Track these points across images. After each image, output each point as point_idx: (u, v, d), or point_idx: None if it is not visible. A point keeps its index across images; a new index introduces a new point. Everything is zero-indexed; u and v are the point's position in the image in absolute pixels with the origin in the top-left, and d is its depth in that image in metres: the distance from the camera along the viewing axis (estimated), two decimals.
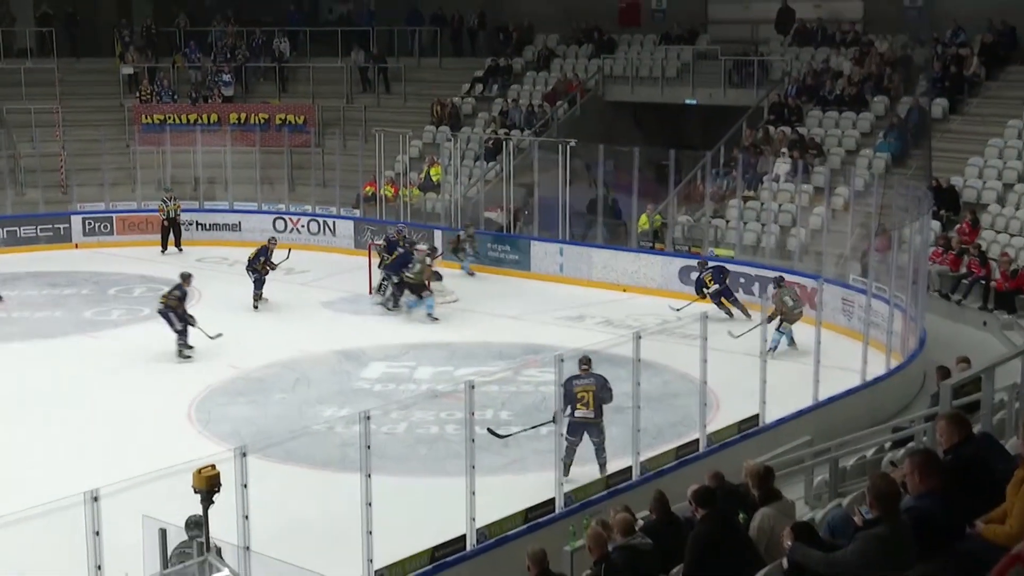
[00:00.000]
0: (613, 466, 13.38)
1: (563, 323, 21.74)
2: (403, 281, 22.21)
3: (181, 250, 27.90)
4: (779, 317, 18.85)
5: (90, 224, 28.93)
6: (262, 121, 31.94)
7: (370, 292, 23.61)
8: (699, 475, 10.11)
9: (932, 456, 6.94)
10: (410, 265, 22.10)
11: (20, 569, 11.19)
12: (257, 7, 36.95)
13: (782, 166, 25.05)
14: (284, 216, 28.96)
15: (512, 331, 21.29)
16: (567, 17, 33.07)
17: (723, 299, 21.46)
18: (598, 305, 22.93)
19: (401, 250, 22.53)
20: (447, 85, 32.82)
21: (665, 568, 8.59)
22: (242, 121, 31.99)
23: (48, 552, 11.06)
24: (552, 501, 12.18)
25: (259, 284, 22.73)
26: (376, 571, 10.62)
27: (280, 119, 32.06)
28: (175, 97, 32.77)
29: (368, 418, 10.35)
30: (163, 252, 27.81)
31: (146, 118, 31.91)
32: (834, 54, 28.41)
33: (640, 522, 9.33)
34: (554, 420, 12.81)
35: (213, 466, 9.59)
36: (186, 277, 20.36)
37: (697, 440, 13.88)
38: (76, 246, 28.52)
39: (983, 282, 20.48)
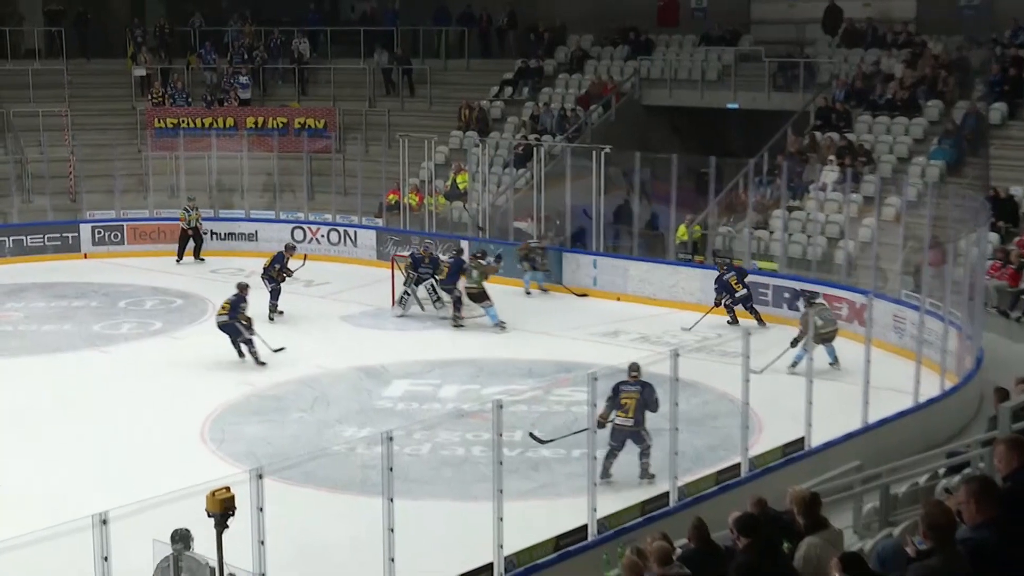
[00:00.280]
0: (649, 492, 13.34)
1: (597, 339, 21.69)
2: (455, 293, 22.58)
3: (203, 260, 28.08)
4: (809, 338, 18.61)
5: (100, 233, 29.12)
6: (280, 125, 32.12)
7: (392, 305, 23.66)
8: (741, 501, 10.06)
9: (990, 483, 6.87)
10: (467, 274, 22.47)
11: None
12: (276, 6, 37.19)
13: (829, 174, 24.96)
14: (303, 225, 29.07)
15: (543, 348, 21.27)
16: (602, 16, 33.09)
17: (751, 305, 21.68)
18: (634, 320, 22.88)
19: (448, 259, 22.93)
20: (475, 88, 32.90)
21: None
22: (259, 125, 32.18)
23: None
24: (584, 528, 12.15)
25: (275, 294, 22.82)
26: None
27: (299, 123, 32.22)
28: (189, 100, 32.97)
29: (390, 439, 10.35)
30: (178, 262, 27.98)
31: (159, 122, 32.13)
32: (885, 56, 28.31)
33: (678, 551, 9.28)
34: (598, 425, 13.38)
35: (228, 488, 9.61)
36: (244, 287, 20.62)
37: (739, 464, 13.83)
38: (85, 256, 28.73)
39: None
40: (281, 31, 35.01)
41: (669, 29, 32.70)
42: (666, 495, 12.99)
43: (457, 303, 22.57)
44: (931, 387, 16.90)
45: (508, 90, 32.47)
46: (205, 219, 28.99)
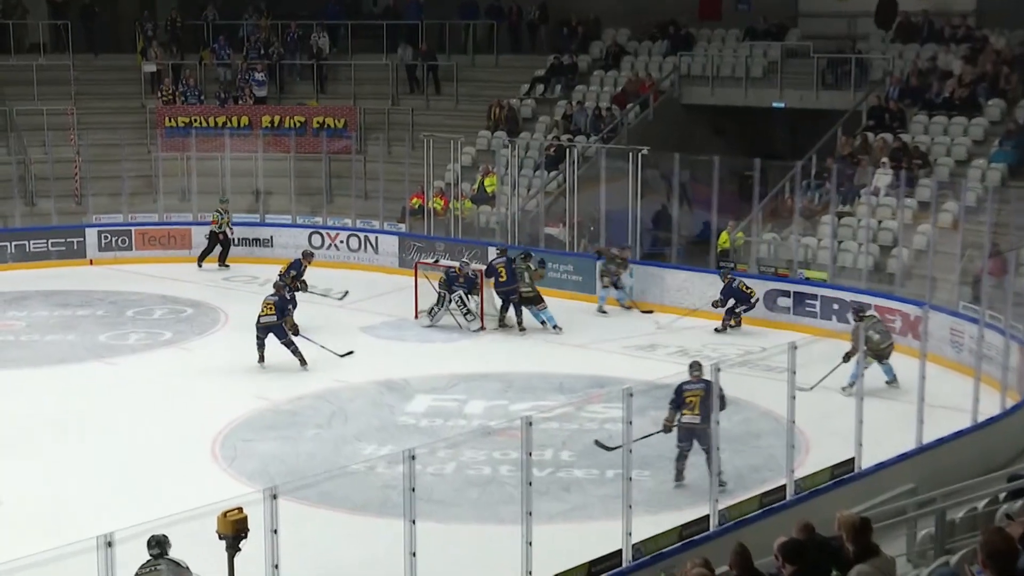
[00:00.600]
0: (686, 515, 13.31)
1: (632, 353, 21.68)
2: (520, 298, 23.04)
3: (228, 267, 28.26)
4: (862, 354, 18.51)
5: (107, 238, 29.29)
6: (298, 125, 32.21)
7: (416, 316, 23.70)
8: (786, 526, 10.01)
9: None
10: (520, 278, 23.00)
11: None
12: None
13: (882, 178, 24.87)
14: (321, 231, 29.16)
15: (574, 361, 21.28)
16: (639, 9, 33.10)
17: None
18: (672, 333, 22.85)
19: (502, 260, 23.27)
20: (504, 85, 32.95)
21: None
22: (276, 125, 32.29)
23: None
24: (619, 553, 12.13)
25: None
26: None
27: (318, 123, 32.31)
28: (202, 98, 33.13)
29: (413, 457, 10.36)
30: (200, 266, 28.15)
31: (170, 121, 32.28)
32: (942, 51, 28.20)
33: None
34: (664, 430, 14.67)
35: (240, 509, 9.66)
36: (280, 286, 21.13)
37: (784, 486, 13.77)
38: (91, 262, 28.89)
39: None
40: (299, 25, 35.12)
41: (711, 23, 32.67)
42: (706, 519, 12.95)
43: (517, 308, 23.04)
44: (991, 405, 16.81)
45: (539, 88, 32.49)
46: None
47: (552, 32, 34.53)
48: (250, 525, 9.76)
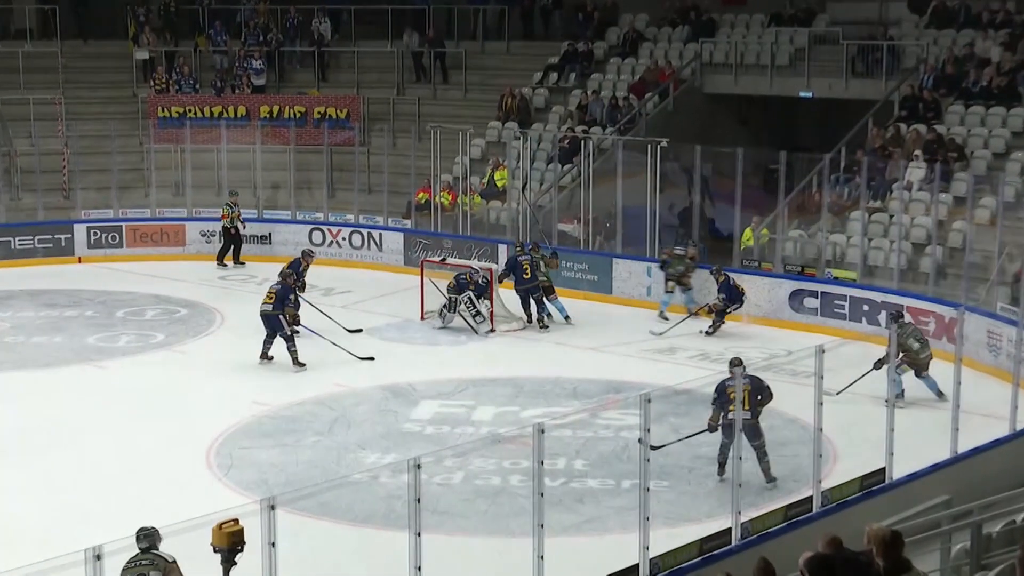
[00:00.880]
0: (707, 528, 13.31)
1: (650, 356, 21.71)
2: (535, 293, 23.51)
3: (243, 264, 28.34)
4: (901, 362, 18.41)
5: (96, 235, 29.37)
6: (298, 115, 32.27)
7: (422, 317, 23.73)
8: (812, 540, 10.01)
9: None
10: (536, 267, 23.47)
11: None
12: None
13: (915, 172, 24.84)
14: (322, 227, 29.22)
15: (589, 365, 21.30)
16: None
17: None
18: (692, 335, 22.86)
19: (527, 257, 23.48)
20: (516, 73, 32.96)
21: None
22: (274, 115, 32.34)
23: None
24: (635, 568, 12.12)
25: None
26: None
27: (319, 113, 32.37)
28: (197, 87, 33.18)
29: (418, 466, 10.37)
30: (219, 265, 28.28)
31: (163, 111, 32.34)
32: (980, 37, 28.14)
33: None
34: (710, 429, 15.30)
35: (236, 520, 9.68)
36: (287, 275, 21.49)
37: (810, 498, 13.76)
38: (79, 260, 28.99)
39: None
40: (299, 9, 35.15)
41: (735, 8, 32.63)
42: (727, 532, 12.94)
43: (540, 305, 23.43)
44: None
45: (553, 76, 32.48)
46: (212, 220, 29.16)
47: (566, 17, 34.52)
48: (247, 538, 9.78)
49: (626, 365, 21.13)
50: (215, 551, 9.89)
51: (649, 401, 12.13)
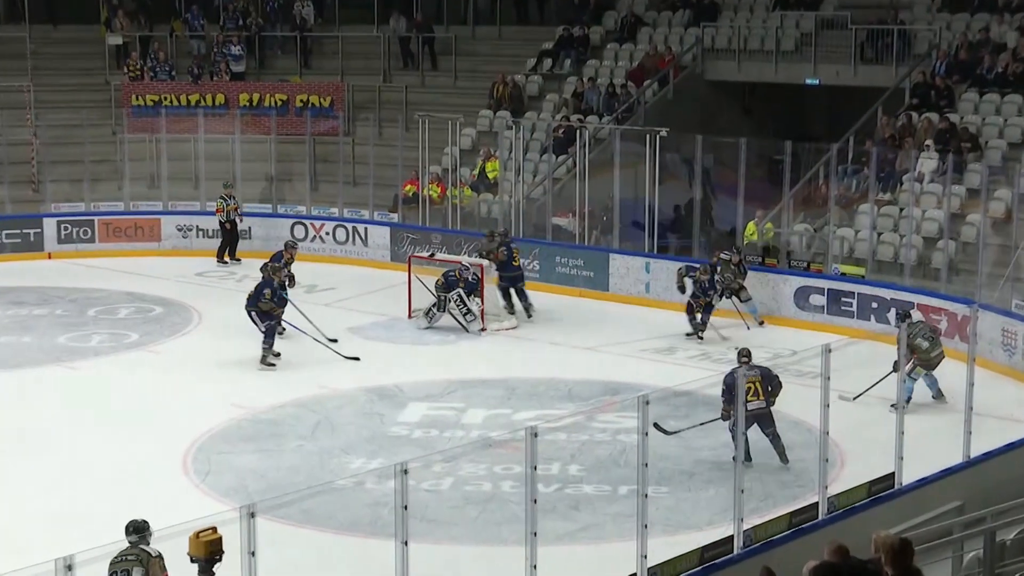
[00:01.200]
0: (708, 536, 13.35)
1: (649, 356, 21.74)
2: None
3: (239, 261, 28.30)
4: (914, 365, 18.44)
5: (67, 229, 29.34)
6: (279, 103, 32.28)
7: (409, 315, 23.75)
8: (818, 548, 10.06)
9: None
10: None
11: None
12: None
13: (927, 163, 24.89)
14: (305, 221, 29.21)
15: (585, 365, 21.32)
16: None
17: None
18: (693, 334, 22.88)
19: (503, 249, 23.73)
20: (508, 60, 32.98)
21: None
22: (254, 103, 32.34)
23: None
24: None
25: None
26: None
27: (301, 101, 32.37)
28: (173, 74, 33.17)
29: (405, 471, 10.40)
30: (219, 262, 28.30)
31: (137, 99, 32.34)
32: (995, 22, 28.19)
33: None
34: (723, 418, 15.90)
35: (214, 529, 9.70)
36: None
37: (816, 504, 13.80)
38: (49, 256, 28.97)
39: None
40: None
41: None
42: (729, 540, 12.97)
43: (522, 297, 23.97)
44: None
45: (547, 62, 32.51)
46: (189, 213, 29.22)
47: (562, 1, 34.54)
48: (225, 547, 9.80)
49: (623, 365, 21.14)
50: (192, 561, 9.91)
51: (647, 403, 12.17)
